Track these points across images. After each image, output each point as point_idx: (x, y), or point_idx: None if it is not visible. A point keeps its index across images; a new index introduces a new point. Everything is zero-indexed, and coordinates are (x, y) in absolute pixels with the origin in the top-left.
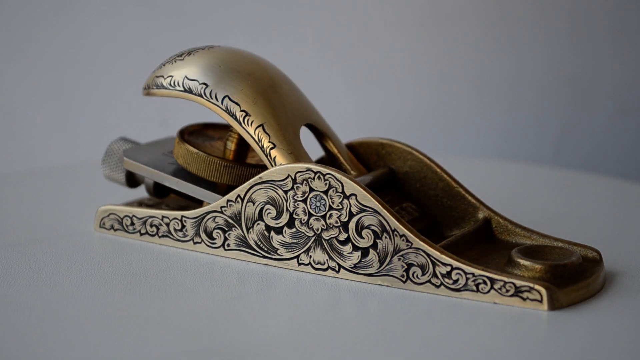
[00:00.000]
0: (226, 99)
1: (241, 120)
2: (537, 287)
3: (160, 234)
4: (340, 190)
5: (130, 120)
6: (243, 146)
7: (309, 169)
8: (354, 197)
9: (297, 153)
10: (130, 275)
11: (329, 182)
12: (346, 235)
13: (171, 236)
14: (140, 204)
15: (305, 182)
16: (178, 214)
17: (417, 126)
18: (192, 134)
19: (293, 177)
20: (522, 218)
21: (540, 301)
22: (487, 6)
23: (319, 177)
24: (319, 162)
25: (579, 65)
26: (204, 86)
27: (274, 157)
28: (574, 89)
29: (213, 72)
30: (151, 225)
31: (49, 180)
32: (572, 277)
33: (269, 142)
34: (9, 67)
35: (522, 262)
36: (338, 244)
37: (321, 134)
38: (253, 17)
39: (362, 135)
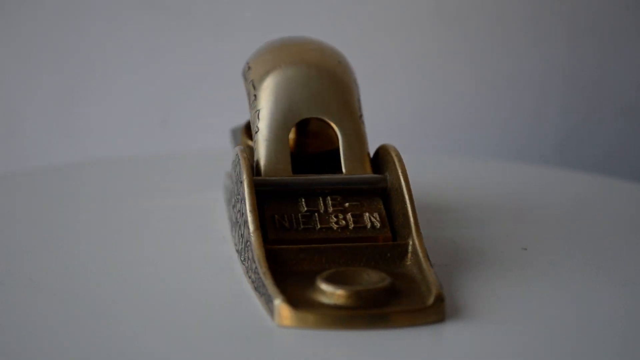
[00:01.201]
0: (251, 82)
1: (251, 102)
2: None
3: None
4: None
5: (130, 120)
6: (301, 135)
7: (236, 154)
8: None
9: (274, 140)
10: None
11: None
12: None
13: None
14: None
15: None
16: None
17: (417, 126)
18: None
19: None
20: (521, 218)
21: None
22: (487, 6)
23: (235, 164)
24: None
25: (580, 65)
26: (247, 68)
27: (255, 141)
28: (575, 89)
29: (259, 57)
30: None
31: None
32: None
33: (257, 126)
34: (9, 67)
35: (325, 288)
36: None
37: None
38: (253, 16)
39: None
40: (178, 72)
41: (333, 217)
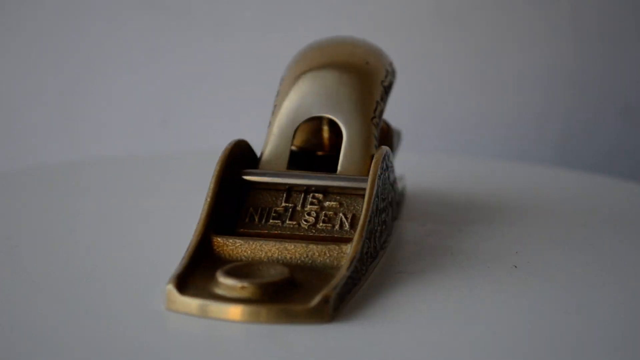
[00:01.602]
0: (280, 79)
1: (275, 98)
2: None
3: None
4: None
5: (130, 120)
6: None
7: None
8: None
9: (278, 135)
10: None
11: None
12: None
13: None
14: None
15: None
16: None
17: (418, 126)
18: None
19: None
20: (522, 218)
21: None
22: (488, 5)
23: None
24: None
25: (581, 65)
26: (286, 69)
27: (266, 135)
28: (576, 89)
29: (297, 55)
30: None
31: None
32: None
33: (269, 121)
34: (10, 66)
35: (220, 279)
36: None
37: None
38: (253, 16)
39: None
40: (178, 72)
41: (306, 214)
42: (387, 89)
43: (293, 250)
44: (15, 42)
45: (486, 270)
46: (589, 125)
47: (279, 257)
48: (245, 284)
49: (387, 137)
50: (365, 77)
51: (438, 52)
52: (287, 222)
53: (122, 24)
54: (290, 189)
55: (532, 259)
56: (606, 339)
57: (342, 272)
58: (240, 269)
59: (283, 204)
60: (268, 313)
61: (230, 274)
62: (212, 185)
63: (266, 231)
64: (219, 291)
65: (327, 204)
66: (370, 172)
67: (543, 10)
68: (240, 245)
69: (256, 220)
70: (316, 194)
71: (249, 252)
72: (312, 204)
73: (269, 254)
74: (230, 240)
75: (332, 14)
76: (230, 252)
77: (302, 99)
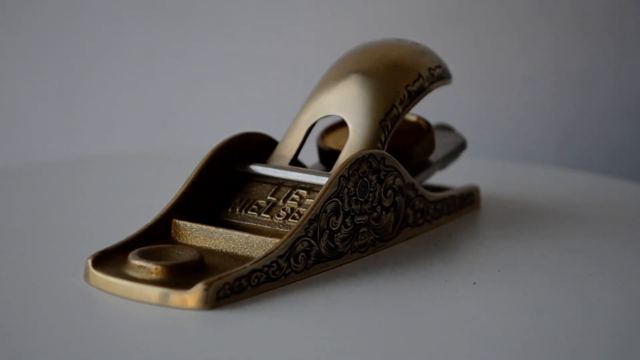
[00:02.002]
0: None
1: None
2: None
3: (261, 282)
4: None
5: (130, 120)
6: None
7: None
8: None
9: (292, 131)
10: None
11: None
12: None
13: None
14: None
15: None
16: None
17: None
18: None
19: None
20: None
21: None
22: (489, 5)
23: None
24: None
25: (583, 64)
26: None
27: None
28: (577, 88)
29: (339, 58)
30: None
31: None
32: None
33: (294, 118)
34: (12, 66)
35: (139, 263)
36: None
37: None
38: (253, 16)
39: None
40: (178, 71)
41: (281, 209)
42: (413, 93)
43: (237, 241)
44: (15, 41)
45: (470, 283)
46: (591, 125)
47: (223, 246)
48: (145, 264)
49: (424, 138)
50: (387, 80)
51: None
52: (263, 215)
53: (123, 24)
54: (281, 184)
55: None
56: None
57: (246, 264)
58: (153, 251)
59: (268, 197)
60: (153, 295)
61: (141, 255)
62: (192, 174)
63: (238, 221)
64: (127, 270)
65: (307, 201)
66: (333, 171)
67: (547, 9)
68: (195, 231)
69: (237, 210)
70: (300, 191)
71: (201, 238)
72: (292, 199)
73: (216, 242)
74: (188, 226)
75: (332, 14)
76: (186, 236)
77: (323, 99)
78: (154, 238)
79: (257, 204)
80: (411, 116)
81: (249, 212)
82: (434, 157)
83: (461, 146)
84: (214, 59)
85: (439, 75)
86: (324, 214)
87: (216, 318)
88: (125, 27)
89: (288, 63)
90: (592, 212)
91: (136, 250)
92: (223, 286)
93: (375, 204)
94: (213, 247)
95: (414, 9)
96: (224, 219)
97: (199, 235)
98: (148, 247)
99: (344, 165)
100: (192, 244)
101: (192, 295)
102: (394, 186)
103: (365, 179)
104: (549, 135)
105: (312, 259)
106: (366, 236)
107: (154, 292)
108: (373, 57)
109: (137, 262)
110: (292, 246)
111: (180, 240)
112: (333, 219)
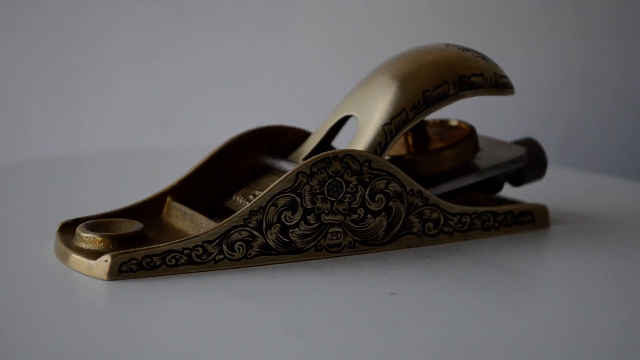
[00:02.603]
0: None
1: None
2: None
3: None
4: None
5: (130, 120)
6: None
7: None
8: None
9: (317, 130)
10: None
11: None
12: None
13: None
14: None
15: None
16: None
17: None
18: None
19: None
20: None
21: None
22: (489, 4)
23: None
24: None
25: (583, 64)
26: None
27: None
28: (578, 88)
29: None
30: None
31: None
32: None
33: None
34: (13, 65)
35: (85, 235)
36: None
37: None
38: (254, 15)
39: None
40: (178, 70)
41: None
42: (431, 99)
43: (202, 225)
44: (15, 40)
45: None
46: (593, 124)
47: (189, 227)
48: (86, 234)
49: (458, 144)
50: (405, 83)
51: None
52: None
53: (124, 23)
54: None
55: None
56: None
57: (162, 244)
58: (100, 224)
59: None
60: (71, 260)
61: (87, 227)
62: (199, 161)
63: (232, 208)
64: (75, 241)
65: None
66: (295, 166)
67: (547, 9)
68: (179, 212)
69: (237, 199)
70: None
71: (180, 220)
72: None
73: (184, 224)
74: (177, 206)
75: (332, 14)
76: (171, 216)
77: (351, 99)
78: (142, 216)
79: (254, 194)
80: (453, 121)
81: (244, 201)
82: (480, 164)
83: (513, 161)
84: (214, 59)
85: (475, 84)
86: (272, 207)
87: (114, 289)
88: (127, 26)
89: (288, 63)
90: (592, 211)
91: (86, 222)
92: (128, 261)
93: (355, 206)
94: (189, 230)
95: (414, 9)
96: (224, 204)
97: (178, 217)
98: (98, 220)
99: (306, 162)
100: (175, 224)
101: (97, 266)
102: (386, 191)
103: (338, 178)
104: (549, 135)
105: (255, 249)
106: (341, 237)
107: (81, 261)
108: (406, 60)
109: (81, 234)
110: (226, 234)
111: (167, 220)
112: (287, 213)
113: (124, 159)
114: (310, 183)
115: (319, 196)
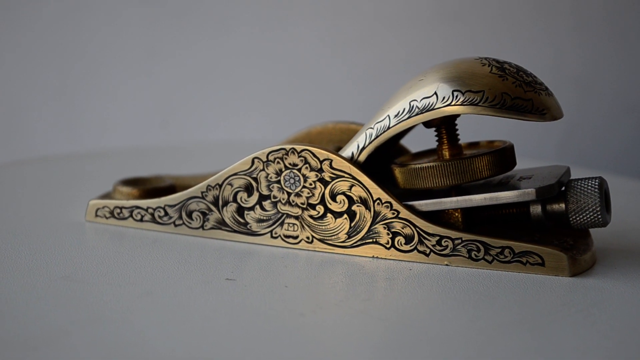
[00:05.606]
0: None
1: None
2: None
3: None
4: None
5: (130, 120)
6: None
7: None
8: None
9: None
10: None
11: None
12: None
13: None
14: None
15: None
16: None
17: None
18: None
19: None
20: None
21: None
22: (489, 4)
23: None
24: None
25: (582, 64)
26: None
27: None
28: (577, 88)
29: None
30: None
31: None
32: None
33: None
34: (14, 65)
35: (120, 188)
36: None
37: None
38: (254, 15)
39: None
40: (178, 70)
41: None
42: (416, 109)
43: None
44: (16, 40)
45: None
46: (593, 123)
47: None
48: (122, 188)
49: (497, 158)
50: (402, 92)
51: (439, 51)
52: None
53: (124, 24)
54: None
55: None
56: None
57: (132, 200)
58: (137, 180)
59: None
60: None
61: (123, 182)
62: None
63: None
64: (114, 194)
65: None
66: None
67: (546, 9)
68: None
69: None
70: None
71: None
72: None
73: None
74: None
75: (332, 14)
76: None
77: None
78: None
79: None
80: (498, 141)
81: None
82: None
83: (525, 193)
84: (214, 58)
85: (467, 101)
86: (228, 185)
87: (90, 229)
88: (128, 27)
89: (288, 62)
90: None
91: (123, 179)
92: (102, 207)
93: (315, 203)
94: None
95: (414, 9)
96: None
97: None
98: (135, 177)
99: (264, 150)
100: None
101: (87, 209)
102: (349, 194)
103: (295, 171)
104: (549, 135)
105: (211, 223)
106: (298, 229)
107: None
108: (427, 70)
109: (118, 187)
110: (185, 202)
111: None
112: (243, 195)
113: (124, 159)
114: (266, 170)
115: (275, 185)
